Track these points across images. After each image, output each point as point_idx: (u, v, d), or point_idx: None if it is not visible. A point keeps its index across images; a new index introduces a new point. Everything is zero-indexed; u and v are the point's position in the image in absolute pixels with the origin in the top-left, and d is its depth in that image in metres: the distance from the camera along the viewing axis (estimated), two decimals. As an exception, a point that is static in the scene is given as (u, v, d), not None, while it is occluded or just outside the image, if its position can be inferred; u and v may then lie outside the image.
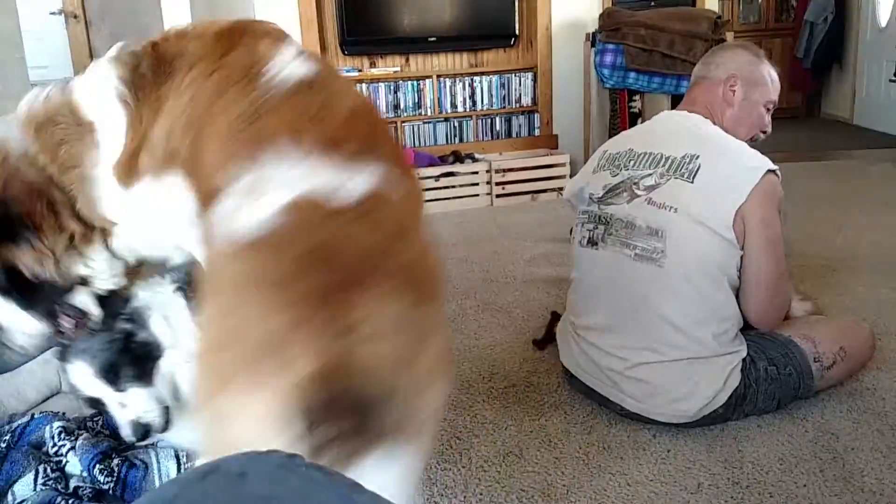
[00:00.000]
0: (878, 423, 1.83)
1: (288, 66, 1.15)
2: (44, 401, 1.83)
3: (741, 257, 1.77)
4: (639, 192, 1.82)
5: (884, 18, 6.25)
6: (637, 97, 4.40)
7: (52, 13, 3.72)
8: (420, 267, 1.01)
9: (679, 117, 1.98)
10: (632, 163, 1.88)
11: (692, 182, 1.75)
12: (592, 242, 1.90)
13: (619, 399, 1.87)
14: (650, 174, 1.82)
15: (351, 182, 1.01)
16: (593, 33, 4.49)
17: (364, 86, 4.82)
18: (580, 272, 1.98)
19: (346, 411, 0.84)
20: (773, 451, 1.73)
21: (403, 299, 0.92)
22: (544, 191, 4.53)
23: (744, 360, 1.81)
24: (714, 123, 1.92)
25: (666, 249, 1.75)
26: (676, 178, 1.77)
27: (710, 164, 1.75)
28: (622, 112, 4.40)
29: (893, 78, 5.18)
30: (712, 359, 1.77)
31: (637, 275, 1.79)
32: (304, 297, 0.88)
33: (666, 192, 1.78)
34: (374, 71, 4.86)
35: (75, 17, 3.73)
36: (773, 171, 1.76)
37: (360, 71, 4.82)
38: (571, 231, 2.13)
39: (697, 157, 1.77)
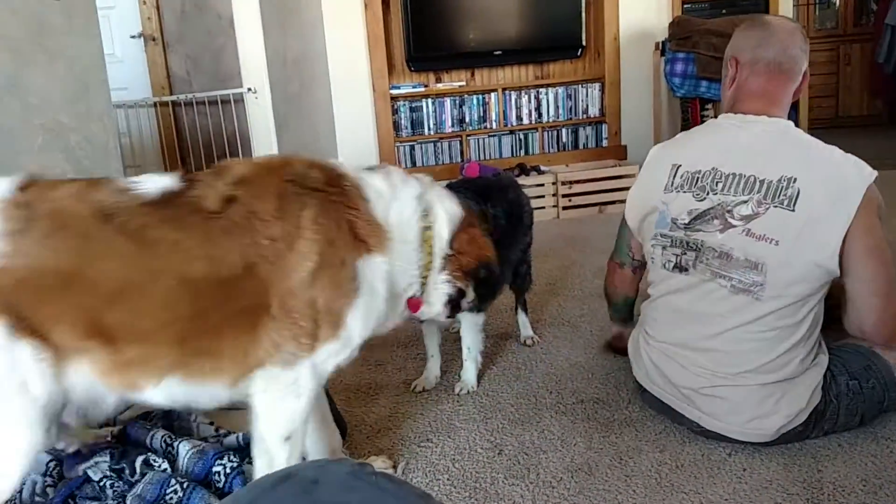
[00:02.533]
0: (972, 445, 1.73)
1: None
2: (123, 411, 1.90)
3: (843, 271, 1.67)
4: (734, 223, 1.70)
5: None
6: (710, 106, 4.31)
7: (133, 36, 3.88)
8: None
9: (762, 126, 1.76)
10: (720, 185, 1.73)
11: (793, 210, 1.62)
12: (681, 268, 1.80)
13: (695, 416, 1.81)
14: (745, 201, 1.69)
15: None
16: (663, 42, 4.43)
17: (430, 101, 4.88)
18: (662, 292, 1.88)
19: None
20: (855, 472, 1.66)
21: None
22: (612, 202, 4.48)
23: (825, 374, 1.74)
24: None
25: (766, 283, 1.66)
26: (776, 206, 1.64)
27: (810, 188, 1.62)
28: (694, 121, 4.32)
29: (984, 81, 4.93)
30: (795, 379, 1.71)
31: (731, 306, 1.71)
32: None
33: (766, 222, 1.66)
34: (440, 86, 4.91)
35: (154, 39, 3.89)
36: (871, 183, 1.64)
37: (426, 86, 4.88)
38: (626, 256, 2.10)
39: (795, 179, 1.63)
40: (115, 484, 1.59)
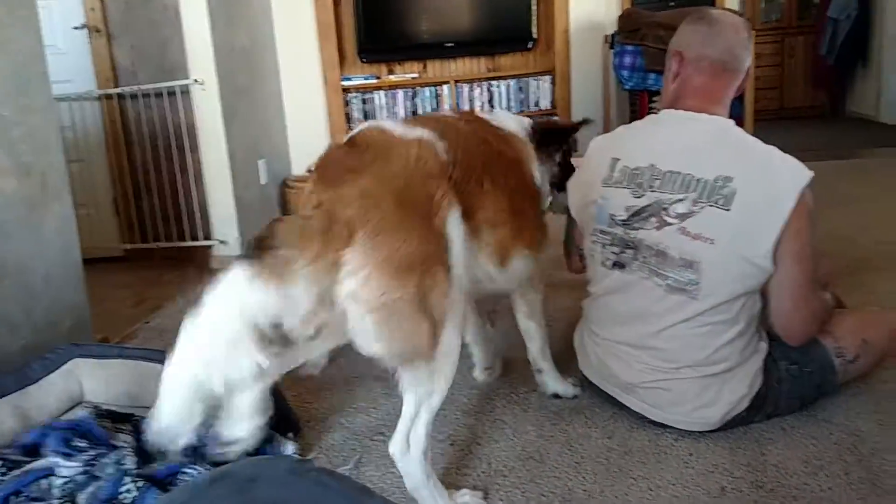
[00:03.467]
0: (905, 425, 1.80)
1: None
2: (67, 410, 1.86)
3: None
4: (670, 220, 1.71)
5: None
6: (657, 98, 4.37)
7: (76, 28, 3.77)
8: None
9: (702, 125, 1.76)
10: (657, 182, 1.73)
11: (728, 210, 1.62)
12: (619, 265, 1.81)
13: (639, 408, 1.85)
14: (681, 199, 1.69)
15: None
16: (612, 35, 4.47)
17: (382, 93, 4.85)
18: (602, 291, 1.90)
19: None
20: (796, 454, 1.70)
21: None
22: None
23: (765, 360, 1.78)
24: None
25: (701, 282, 1.67)
26: (711, 205, 1.64)
27: (745, 188, 1.62)
28: (642, 113, 4.37)
29: (919, 74, 5.10)
30: (736, 369, 1.75)
31: (667, 305, 1.73)
32: None
33: (701, 221, 1.66)
34: (392, 77, 4.88)
35: (98, 31, 3.78)
36: (807, 186, 1.63)
37: (378, 78, 4.85)
38: (573, 245, 2.12)
39: (731, 179, 1.63)
40: (67, 485, 1.55)
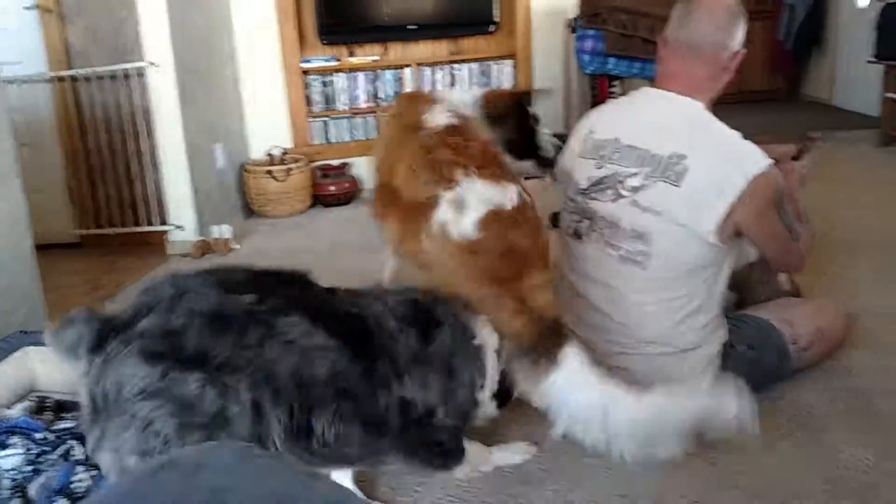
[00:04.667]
0: (853, 401, 1.85)
1: (437, 118, 1.86)
2: (18, 400, 1.82)
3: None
4: (624, 193, 1.74)
5: (862, 0, 6.27)
6: (617, 83, 4.39)
7: (27, 7, 3.66)
8: (546, 248, 1.69)
9: (671, 105, 1.77)
10: (617, 155, 1.77)
11: (678, 186, 1.65)
12: (577, 234, 1.86)
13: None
14: (636, 173, 1.72)
15: (507, 197, 1.66)
16: (573, 19, 4.47)
17: (343, 75, 4.80)
18: (563, 262, 1.94)
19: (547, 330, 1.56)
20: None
21: (545, 269, 1.65)
22: (526, 178, 4.52)
23: (724, 344, 1.82)
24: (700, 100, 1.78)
25: (650, 253, 1.70)
26: (663, 180, 1.67)
27: (697, 167, 1.64)
28: (602, 98, 4.39)
29: (872, 59, 5.19)
30: (695, 350, 1.78)
31: (620, 275, 1.76)
32: (506, 277, 1.59)
33: (652, 195, 1.69)
34: (353, 60, 4.83)
35: (49, 11, 3.67)
36: (764, 173, 1.63)
37: (338, 60, 4.79)
38: (554, 218, 2.12)
39: (685, 157, 1.65)
40: (17, 476, 1.52)
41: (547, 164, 2.24)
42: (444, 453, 1.52)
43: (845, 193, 3.88)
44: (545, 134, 2.28)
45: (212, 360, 1.23)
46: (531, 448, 1.74)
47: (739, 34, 1.77)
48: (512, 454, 1.71)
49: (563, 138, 2.17)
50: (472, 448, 1.61)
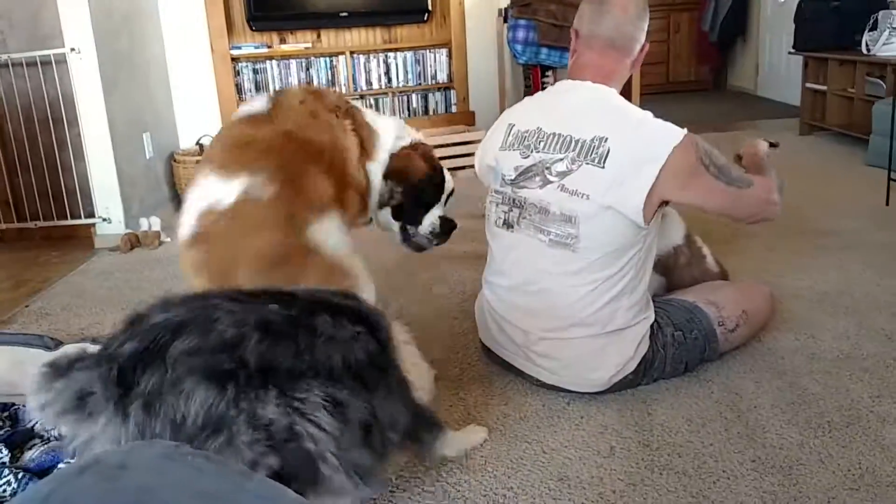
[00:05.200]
0: (778, 382, 1.91)
1: (247, 106, 1.93)
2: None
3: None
4: (551, 178, 1.77)
5: (782, -7, 6.49)
6: (550, 72, 4.44)
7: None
8: (268, 247, 1.71)
9: (586, 91, 1.83)
10: (542, 144, 1.81)
11: (603, 167, 1.70)
12: (508, 224, 1.88)
13: (534, 372, 1.90)
14: (561, 159, 1.76)
15: (225, 193, 1.73)
16: (506, 9, 4.49)
17: (274, 63, 4.71)
18: (495, 251, 1.96)
19: None
20: (680, 414, 1.79)
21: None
22: (462, 168, 4.53)
23: (652, 326, 1.86)
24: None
25: (579, 235, 1.74)
26: (587, 163, 1.72)
27: (619, 148, 1.69)
28: (535, 87, 4.44)
29: (792, 50, 5.37)
30: (623, 331, 1.81)
31: (552, 259, 1.79)
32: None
33: (578, 178, 1.73)
34: (285, 47, 4.75)
35: (-40, -7, 3.48)
36: (680, 143, 1.68)
37: (269, 48, 4.70)
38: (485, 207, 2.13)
39: (606, 139, 1.70)
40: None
41: (414, 247, 2.16)
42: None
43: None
44: (429, 224, 2.11)
45: (279, 372, 1.15)
46: (483, 430, 1.74)
47: (646, 28, 1.88)
48: (468, 436, 1.71)
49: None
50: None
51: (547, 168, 1.78)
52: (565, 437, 1.72)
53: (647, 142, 1.71)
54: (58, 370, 1.10)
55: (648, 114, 1.78)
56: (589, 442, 1.69)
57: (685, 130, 1.72)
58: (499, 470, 1.61)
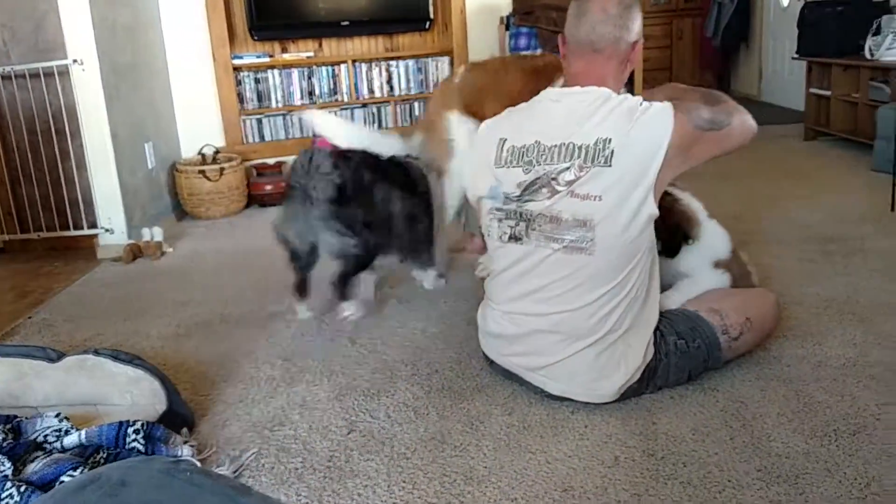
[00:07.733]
0: (784, 390, 1.90)
1: None
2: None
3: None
4: (560, 188, 1.75)
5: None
6: (552, 79, 4.43)
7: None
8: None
9: (577, 96, 1.80)
10: (544, 157, 1.78)
11: (611, 166, 1.70)
12: (515, 238, 1.84)
13: (540, 383, 1.88)
14: (568, 167, 1.74)
15: None
16: (507, 17, 4.50)
17: (276, 72, 4.72)
18: (502, 266, 1.91)
19: None
20: (685, 422, 1.78)
21: None
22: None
23: (655, 334, 1.85)
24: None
25: (595, 238, 1.73)
26: (596, 166, 1.71)
27: (623, 146, 1.70)
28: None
29: (795, 56, 5.37)
30: (630, 339, 1.80)
31: (566, 266, 1.77)
32: None
33: (588, 183, 1.72)
34: (287, 56, 4.76)
35: (-36, 5, 3.50)
36: (674, 125, 1.69)
37: (271, 56, 4.71)
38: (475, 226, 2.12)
39: (610, 140, 1.70)
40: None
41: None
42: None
43: (773, 186, 4.01)
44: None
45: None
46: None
47: (636, 25, 1.83)
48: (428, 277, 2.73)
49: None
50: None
51: (553, 179, 1.76)
52: (569, 447, 1.71)
53: (646, 134, 1.71)
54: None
55: (638, 98, 1.77)
56: (593, 452, 1.68)
57: (669, 105, 1.73)
58: (503, 481, 1.60)
